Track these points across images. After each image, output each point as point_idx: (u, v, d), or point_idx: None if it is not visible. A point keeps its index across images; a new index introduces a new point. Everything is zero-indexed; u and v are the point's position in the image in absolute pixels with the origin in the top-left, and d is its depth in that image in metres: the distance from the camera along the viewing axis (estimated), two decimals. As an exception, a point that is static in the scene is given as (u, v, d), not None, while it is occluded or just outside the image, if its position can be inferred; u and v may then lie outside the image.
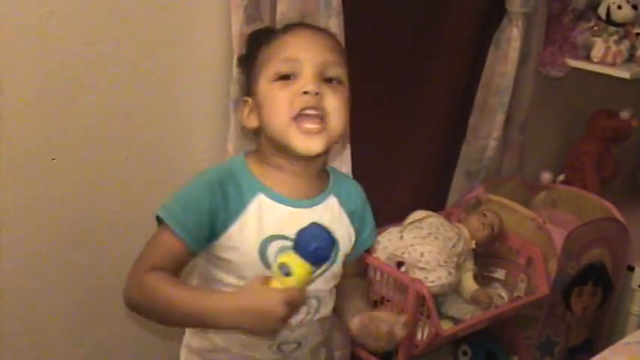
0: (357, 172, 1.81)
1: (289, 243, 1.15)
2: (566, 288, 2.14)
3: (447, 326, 1.87)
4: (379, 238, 1.99)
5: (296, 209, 1.19)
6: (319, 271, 1.21)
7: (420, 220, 2.00)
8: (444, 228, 1.96)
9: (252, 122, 1.20)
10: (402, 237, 1.94)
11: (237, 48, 1.52)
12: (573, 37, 2.42)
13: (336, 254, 1.24)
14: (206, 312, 1.09)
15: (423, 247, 1.88)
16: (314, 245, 1.07)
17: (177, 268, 1.16)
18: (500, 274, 2.13)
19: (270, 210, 1.18)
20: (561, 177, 2.67)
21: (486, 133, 2.33)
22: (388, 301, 1.91)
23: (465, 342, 2.16)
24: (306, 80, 1.13)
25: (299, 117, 1.13)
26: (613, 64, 2.37)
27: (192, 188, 1.17)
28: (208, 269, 1.22)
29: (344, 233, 1.27)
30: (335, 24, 1.64)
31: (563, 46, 2.42)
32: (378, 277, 1.92)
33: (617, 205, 2.34)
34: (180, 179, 1.58)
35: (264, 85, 1.16)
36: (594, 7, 2.45)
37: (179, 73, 1.57)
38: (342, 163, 1.79)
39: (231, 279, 1.18)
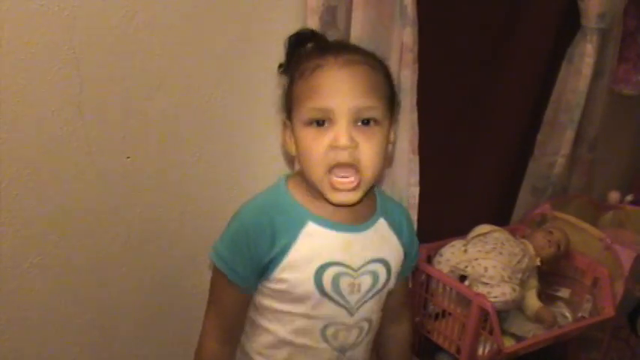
0: (424, 184, 1.80)
1: (343, 269, 1.17)
2: (632, 311, 2.09)
3: (508, 343, 1.84)
4: (442, 250, 1.98)
5: (348, 234, 1.19)
6: (372, 291, 1.22)
7: (484, 235, 1.98)
8: (509, 243, 1.94)
9: (293, 149, 1.18)
10: (465, 250, 1.92)
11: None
12: (648, 54, 2.38)
13: (389, 273, 1.24)
14: None
15: (487, 261, 1.86)
16: None
17: (242, 310, 1.24)
18: (564, 293, 2.09)
19: (321, 237, 1.17)
20: (629, 197, 2.61)
21: (555, 149, 2.30)
22: (450, 314, 1.89)
23: (525, 361, 2.12)
24: (339, 132, 1.08)
25: (333, 168, 1.10)
26: (688, 83, 2.32)
27: (238, 229, 1.17)
28: (259, 299, 1.22)
29: (395, 253, 1.27)
30: (409, 34, 1.64)
31: (637, 64, 2.38)
32: (440, 290, 1.90)
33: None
34: (251, 183, 1.61)
35: (298, 126, 1.12)
36: (671, 25, 2.40)
37: (254, 77, 1.58)
38: (410, 174, 1.78)
39: (285, 306, 1.19)
